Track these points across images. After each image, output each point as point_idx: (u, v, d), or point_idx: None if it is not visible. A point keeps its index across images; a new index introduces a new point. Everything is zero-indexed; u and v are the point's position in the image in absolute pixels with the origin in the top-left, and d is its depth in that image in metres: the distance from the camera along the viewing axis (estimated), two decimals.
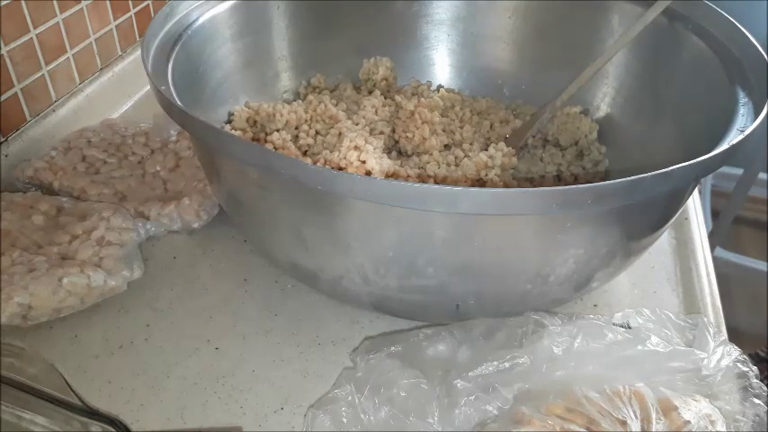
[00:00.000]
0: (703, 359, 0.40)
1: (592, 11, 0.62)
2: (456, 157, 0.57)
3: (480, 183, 0.54)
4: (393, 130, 0.60)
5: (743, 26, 0.50)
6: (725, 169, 1.47)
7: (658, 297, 0.52)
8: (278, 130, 0.58)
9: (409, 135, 0.59)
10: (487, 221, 0.38)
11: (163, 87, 0.43)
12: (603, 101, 0.63)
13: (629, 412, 0.35)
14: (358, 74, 0.68)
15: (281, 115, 0.58)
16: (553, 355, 0.40)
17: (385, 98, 0.65)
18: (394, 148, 0.60)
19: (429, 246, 0.39)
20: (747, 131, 0.40)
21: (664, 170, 0.35)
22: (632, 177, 0.34)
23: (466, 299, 0.43)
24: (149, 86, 0.78)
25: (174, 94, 0.43)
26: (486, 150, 0.55)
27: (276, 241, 0.47)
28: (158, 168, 0.61)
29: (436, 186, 0.34)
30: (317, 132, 0.59)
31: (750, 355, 0.47)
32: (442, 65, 0.70)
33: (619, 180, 0.34)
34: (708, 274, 0.55)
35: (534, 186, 0.41)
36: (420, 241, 0.39)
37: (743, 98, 0.45)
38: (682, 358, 0.40)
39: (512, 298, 0.44)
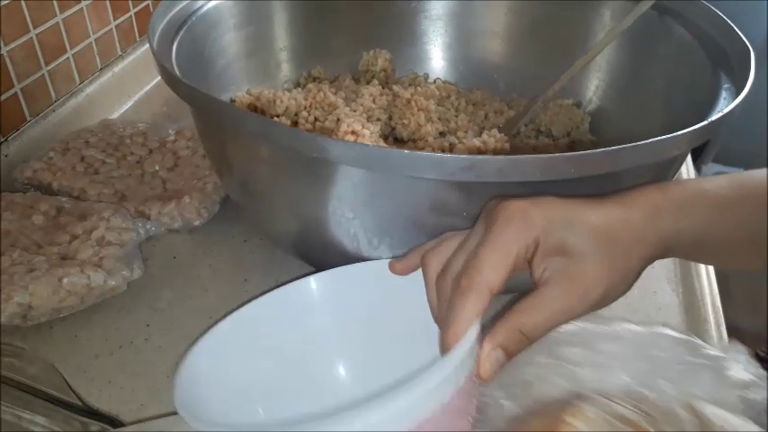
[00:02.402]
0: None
1: (585, 6, 0.63)
2: (450, 144, 0.58)
3: None
4: (390, 118, 0.62)
5: (743, 26, 0.50)
6: (724, 169, 1.47)
7: (658, 297, 0.52)
8: (278, 116, 0.58)
9: (405, 122, 0.60)
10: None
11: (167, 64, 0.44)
12: (596, 94, 0.64)
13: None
14: (357, 67, 0.69)
15: (282, 101, 0.59)
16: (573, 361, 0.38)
17: (383, 88, 0.66)
18: (390, 135, 0.61)
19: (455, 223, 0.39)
20: (726, 110, 0.40)
21: (643, 142, 0.35)
22: (615, 147, 0.35)
23: None
24: (149, 85, 0.78)
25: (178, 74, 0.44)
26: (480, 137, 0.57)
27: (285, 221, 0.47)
28: (157, 168, 0.61)
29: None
30: (316, 119, 0.59)
31: None
32: (438, 59, 0.71)
33: (600, 150, 0.35)
34: (708, 274, 0.55)
35: None
36: (447, 220, 0.39)
37: (726, 84, 0.45)
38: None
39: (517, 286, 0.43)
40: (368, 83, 0.68)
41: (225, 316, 0.39)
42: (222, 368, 0.38)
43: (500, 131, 0.58)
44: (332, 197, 0.41)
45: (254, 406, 0.40)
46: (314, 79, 0.67)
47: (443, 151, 0.57)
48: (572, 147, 0.63)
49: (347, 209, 0.41)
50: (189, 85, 0.41)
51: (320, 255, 0.47)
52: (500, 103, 0.67)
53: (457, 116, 0.63)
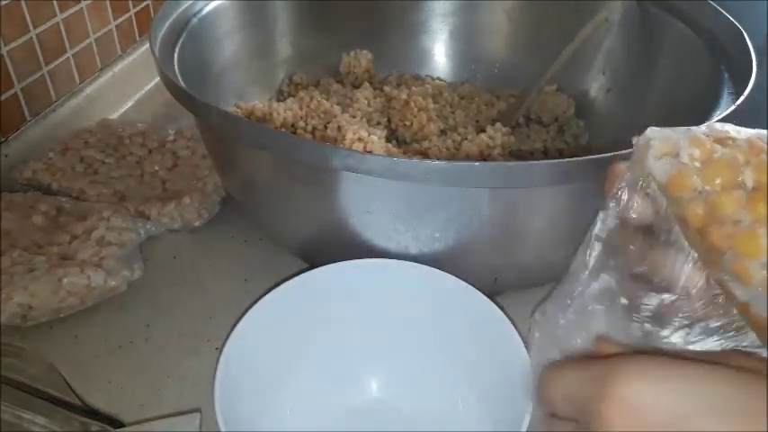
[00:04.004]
0: None
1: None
2: (454, 141, 0.59)
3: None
4: (389, 120, 0.62)
5: (743, 26, 0.50)
6: None
7: None
8: (276, 128, 0.58)
9: (407, 123, 0.61)
10: (527, 194, 0.39)
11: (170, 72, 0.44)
12: (598, 91, 0.65)
13: None
14: (332, 68, 0.70)
15: (278, 113, 0.59)
16: None
17: (374, 89, 0.66)
18: (392, 137, 0.62)
19: (472, 223, 0.40)
20: (726, 113, 0.40)
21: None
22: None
23: (504, 272, 0.44)
24: (149, 85, 0.78)
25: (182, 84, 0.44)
26: (484, 132, 0.57)
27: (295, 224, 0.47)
28: (157, 168, 0.61)
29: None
30: (315, 128, 0.59)
31: None
32: (418, 54, 0.72)
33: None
34: None
35: None
36: (463, 219, 0.40)
37: (728, 83, 0.46)
38: None
39: (546, 266, 0.44)
40: (354, 85, 0.68)
41: (251, 306, 0.39)
42: (252, 366, 0.38)
43: (502, 124, 0.60)
44: (347, 202, 0.41)
45: (283, 406, 0.40)
46: (296, 86, 0.67)
47: (449, 150, 0.58)
48: (561, 130, 0.65)
49: (363, 212, 0.41)
50: (206, 103, 0.41)
51: (326, 255, 0.47)
52: (488, 95, 0.68)
53: (453, 112, 0.64)
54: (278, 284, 0.40)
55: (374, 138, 0.53)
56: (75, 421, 0.40)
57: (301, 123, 0.59)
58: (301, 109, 0.60)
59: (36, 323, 0.47)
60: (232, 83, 0.60)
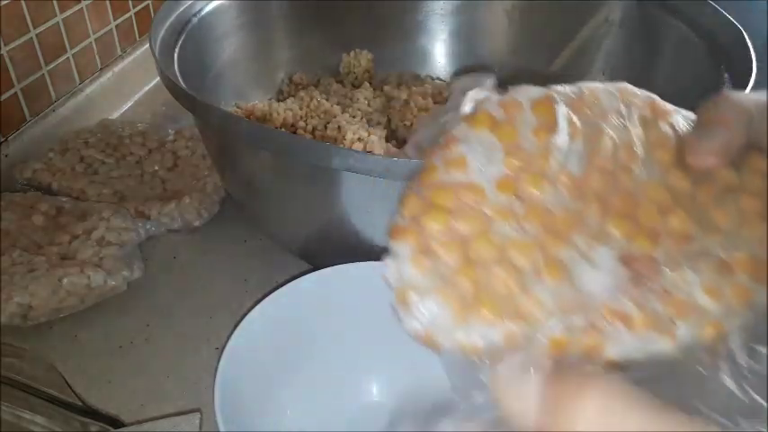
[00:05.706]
0: None
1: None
2: None
3: None
4: (389, 120, 0.62)
5: (743, 26, 0.50)
6: None
7: None
8: (276, 129, 0.58)
9: (407, 123, 0.61)
10: None
11: (170, 71, 0.44)
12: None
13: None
14: (332, 68, 0.70)
15: (278, 113, 0.59)
16: None
17: (374, 89, 0.66)
18: (392, 137, 0.61)
19: None
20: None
21: None
22: None
23: None
24: (149, 85, 0.78)
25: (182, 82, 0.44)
26: None
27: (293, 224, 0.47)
28: (156, 168, 0.61)
29: None
30: (314, 128, 0.59)
31: None
32: (418, 54, 0.72)
33: None
34: None
35: None
36: None
37: (728, 84, 0.46)
38: None
39: None
40: (353, 85, 0.68)
41: (252, 308, 0.39)
42: (252, 367, 0.38)
43: None
44: (347, 202, 0.41)
45: (283, 407, 0.40)
46: (296, 85, 0.67)
47: None
48: None
49: (364, 212, 0.41)
50: (206, 103, 0.41)
51: (326, 255, 0.47)
52: None
53: None
54: (278, 285, 0.40)
55: (374, 138, 0.53)
56: (75, 421, 0.40)
57: (301, 123, 0.59)
58: (301, 109, 0.60)
59: (36, 323, 0.47)
60: (232, 83, 0.60)
